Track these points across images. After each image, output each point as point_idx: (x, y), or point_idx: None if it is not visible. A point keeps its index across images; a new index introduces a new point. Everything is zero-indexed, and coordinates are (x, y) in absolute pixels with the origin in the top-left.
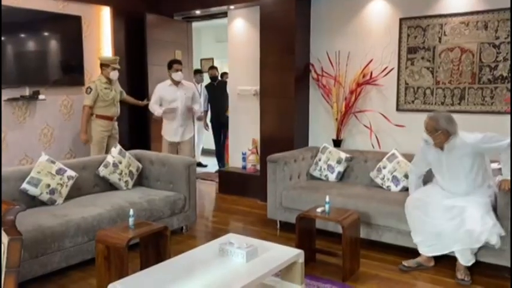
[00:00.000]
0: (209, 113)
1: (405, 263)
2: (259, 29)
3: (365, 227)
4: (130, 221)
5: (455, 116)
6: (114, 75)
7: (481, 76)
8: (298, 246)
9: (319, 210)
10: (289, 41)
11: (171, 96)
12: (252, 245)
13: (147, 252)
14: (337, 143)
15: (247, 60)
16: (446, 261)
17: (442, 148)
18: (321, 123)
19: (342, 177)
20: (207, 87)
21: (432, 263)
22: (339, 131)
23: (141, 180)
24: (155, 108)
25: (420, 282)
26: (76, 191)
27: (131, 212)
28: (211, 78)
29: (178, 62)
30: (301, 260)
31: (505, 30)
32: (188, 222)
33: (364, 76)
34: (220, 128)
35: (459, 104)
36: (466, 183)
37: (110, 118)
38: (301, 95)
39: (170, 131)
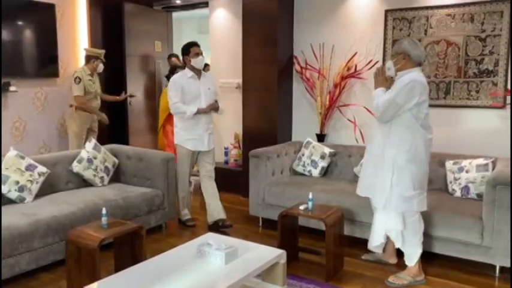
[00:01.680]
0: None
1: (363, 256)
2: (242, 20)
3: (349, 224)
4: (103, 220)
5: (441, 110)
6: (101, 68)
7: (466, 70)
8: (280, 245)
9: (302, 207)
10: (272, 33)
11: (194, 90)
12: (231, 246)
13: (121, 252)
14: (320, 138)
15: (230, 52)
16: (434, 260)
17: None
18: (304, 117)
19: (325, 172)
20: (167, 78)
21: (393, 260)
22: (322, 125)
23: (117, 176)
24: (184, 109)
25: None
26: (48, 188)
27: (104, 210)
28: (171, 67)
29: (197, 45)
30: (283, 260)
31: (491, 23)
32: (166, 220)
33: (348, 69)
34: None
35: (444, 98)
36: (381, 134)
37: (91, 111)
38: (284, 88)
39: (193, 138)
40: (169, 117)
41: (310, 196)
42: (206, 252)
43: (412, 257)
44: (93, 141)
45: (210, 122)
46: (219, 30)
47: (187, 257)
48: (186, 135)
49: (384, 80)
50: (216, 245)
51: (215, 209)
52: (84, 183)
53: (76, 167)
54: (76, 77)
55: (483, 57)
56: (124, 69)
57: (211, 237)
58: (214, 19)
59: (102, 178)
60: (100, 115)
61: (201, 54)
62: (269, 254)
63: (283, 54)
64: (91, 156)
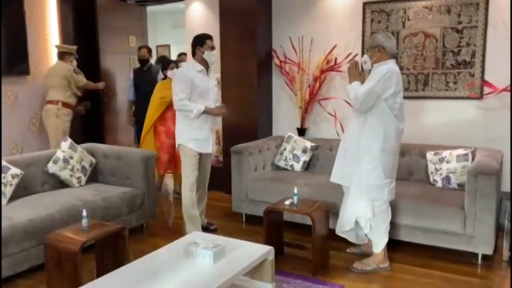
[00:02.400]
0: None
1: (348, 249)
2: (219, 14)
3: (332, 218)
4: (84, 222)
5: (420, 101)
6: (74, 64)
7: (444, 61)
8: (266, 241)
9: (287, 202)
10: (250, 27)
11: (204, 86)
12: (219, 245)
13: (103, 255)
14: (301, 132)
15: None
16: (422, 251)
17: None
18: (284, 112)
19: (307, 166)
20: (134, 72)
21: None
22: (303, 119)
23: (95, 175)
24: (192, 107)
25: (394, 273)
26: (22, 191)
27: (84, 212)
28: (140, 60)
29: (211, 38)
30: (272, 257)
31: (467, 15)
32: (148, 220)
33: (328, 62)
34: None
35: (423, 89)
36: (357, 124)
37: (73, 107)
38: (263, 83)
39: (197, 139)
40: (162, 116)
41: (295, 191)
42: (193, 252)
43: (378, 245)
44: (69, 140)
45: (217, 121)
46: (196, 25)
47: (174, 257)
48: (190, 134)
49: (358, 74)
50: (204, 244)
51: (202, 213)
52: (61, 184)
53: (52, 167)
54: (72, 70)
55: (460, 49)
56: (98, 66)
57: (197, 236)
58: (191, 13)
59: (79, 178)
60: (95, 85)
61: (215, 49)
62: (257, 251)
63: (261, 48)
64: (67, 156)
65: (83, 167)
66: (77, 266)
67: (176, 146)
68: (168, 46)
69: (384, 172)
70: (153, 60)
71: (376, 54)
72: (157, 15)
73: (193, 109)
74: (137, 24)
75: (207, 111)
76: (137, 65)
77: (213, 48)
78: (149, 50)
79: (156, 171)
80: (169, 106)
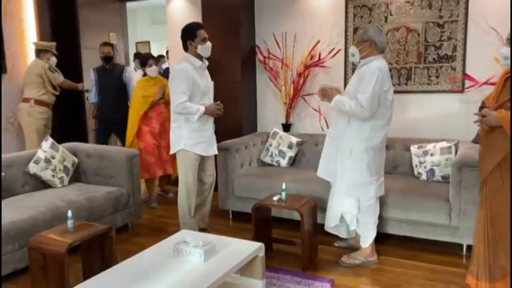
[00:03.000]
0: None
1: (336, 243)
2: (201, 11)
3: (320, 212)
4: (69, 223)
5: (403, 95)
6: (54, 61)
7: (426, 56)
8: (255, 238)
9: (275, 198)
10: (233, 23)
11: (204, 84)
12: (209, 243)
13: (89, 256)
14: (286, 128)
15: None
16: (408, 243)
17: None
18: (269, 108)
19: (293, 162)
20: (97, 70)
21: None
22: (287, 115)
23: (77, 175)
24: (194, 110)
25: (382, 266)
26: (3, 192)
27: (69, 213)
28: (103, 58)
29: (201, 27)
30: (262, 253)
31: (448, 10)
32: (133, 219)
33: (311, 58)
34: (110, 129)
35: (406, 84)
36: (342, 121)
37: (49, 105)
38: (247, 79)
39: (203, 141)
40: (146, 116)
41: (284, 186)
42: (183, 251)
43: (366, 239)
44: (50, 139)
45: (213, 120)
46: (177, 21)
47: (164, 257)
48: (196, 138)
49: (334, 90)
50: (194, 242)
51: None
52: (43, 184)
53: (33, 167)
54: (47, 68)
55: (442, 43)
56: (79, 63)
57: (186, 234)
58: (172, 9)
59: (61, 179)
60: (75, 85)
61: (208, 39)
62: (248, 248)
63: (245, 44)
64: (48, 155)
65: (65, 167)
66: (64, 268)
67: (172, 151)
68: (148, 43)
69: (369, 170)
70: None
71: (366, 48)
72: (136, 12)
73: (195, 112)
74: (117, 20)
75: (206, 112)
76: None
77: (205, 39)
78: (113, 47)
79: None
80: (153, 105)
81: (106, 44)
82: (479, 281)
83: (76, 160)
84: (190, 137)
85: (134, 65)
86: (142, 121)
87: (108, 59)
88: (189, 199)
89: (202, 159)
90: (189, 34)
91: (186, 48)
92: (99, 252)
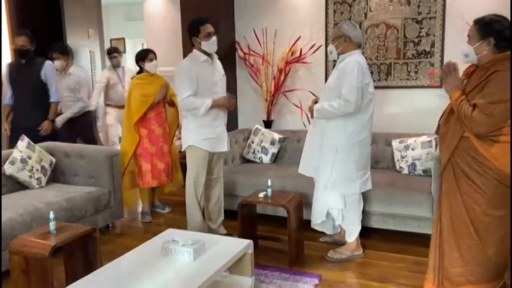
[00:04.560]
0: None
1: (321, 238)
2: (180, 6)
3: (304, 208)
4: (51, 225)
5: (383, 91)
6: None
7: (405, 51)
8: (241, 235)
9: (261, 195)
10: (213, 18)
11: (211, 78)
12: (198, 241)
13: (72, 258)
14: (267, 124)
15: (168, 38)
16: (396, 237)
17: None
18: (250, 104)
19: (276, 158)
20: (9, 67)
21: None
22: (269, 111)
23: (56, 176)
24: (198, 104)
25: (368, 260)
26: None
27: (51, 214)
28: (17, 52)
29: (205, 21)
30: (251, 250)
31: (426, 6)
32: (114, 219)
33: (292, 54)
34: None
35: (386, 79)
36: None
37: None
38: (227, 75)
39: (211, 137)
40: (143, 117)
41: (269, 183)
42: (172, 250)
43: (352, 234)
44: (26, 139)
45: (226, 115)
46: (155, 17)
47: (152, 257)
48: (203, 134)
49: (312, 104)
50: (182, 241)
51: (220, 225)
52: (19, 186)
53: (9, 168)
54: None
55: (420, 39)
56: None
57: (174, 233)
58: (150, 5)
59: (39, 179)
60: None
61: (215, 34)
62: (237, 245)
63: (224, 40)
64: (25, 156)
65: (43, 167)
66: (47, 272)
67: (183, 148)
68: (123, 39)
69: (355, 165)
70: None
71: (342, 44)
72: (110, 8)
73: (199, 106)
74: (93, 16)
75: (215, 105)
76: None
77: (209, 34)
78: (31, 39)
79: (136, 189)
80: (153, 105)
81: (21, 33)
82: (428, 283)
83: (54, 160)
84: (198, 133)
85: (110, 64)
86: (138, 123)
87: (22, 52)
88: (198, 199)
89: (211, 159)
90: (192, 30)
91: (193, 45)
92: (82, 254)
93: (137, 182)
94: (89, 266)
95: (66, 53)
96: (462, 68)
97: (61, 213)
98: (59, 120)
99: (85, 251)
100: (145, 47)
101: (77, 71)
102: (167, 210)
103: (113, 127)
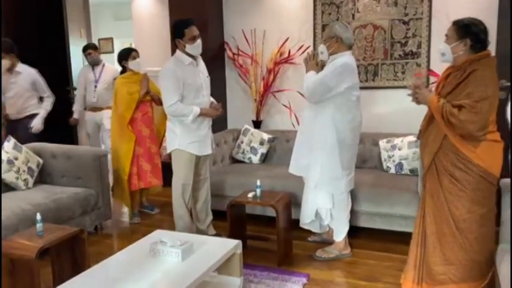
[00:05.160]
0: None
1: (310, 238)
2: (168, 6)
3: (294, 208)
4: (38, 226)
5: (370, 91)
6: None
7: (392, 52)
8: (230, 235)
9: (250, 195)
10: (201, 19)
11: (196, 81)
12: (186, 242)
13: (60, 260)
14: (257, 124)
15: (156, 38)
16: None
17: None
18: (239, 104)
19: (265, 158)
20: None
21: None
22: (258, 111)
23: (43, 177)
24: (186, 112)
25: (356, 259)
26: None
27: (38, 216)
28: None
29: (193, 23)
30: (240, 251)
31: (413, 7)
32: (102, 220)
33: (281, 55)
34: None
35: (373, 80)
36: (311, 116)
37: None
38: (216, 76)
39: (197, 141)
40: (131, 119)
41: (258, 183)
42: (160, 251)
43: (340, 233)
44: (12, 140)
45: (211, 119)
46: (144, 17)
47: (140, 258)
48: (190, 138)
49: (315, 65)
50: (171, 242)
51: (210, 225)
52: (6, 187)
53: None
54: None
55: (407, 40)
56: (68, 61)
57: (162, 234)
58: (138, 4)
59: (26, 180)
60: None
61: (199, 36)
62: (225, 245)
63: (213, 40)
64: (11, 157)
65: (30, 168)
66: (34, 274)
67: (168, 150)
68: (111, 39)
69: (341, 164)
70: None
71: (333, 45)
72: (98, 7)
73: (188, 114)
74: (81, 16)
75: (202, 114)
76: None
77: (194, 38)
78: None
79: (127, 190)
80: (138, 104)
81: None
82: (407, 281)
83: (41, 161)
84: (184, 137)
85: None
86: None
87: None
88: (185, 201)
89: (198, 161)
90: (176, 32)
91: (177, 46)
92: (70, 256)
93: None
94: (77, 267)
95: (12, 51)
96: (441, 69)
97: (48, 215)
98: (37, 123)
99: (73, 252)
100: (133, 47)
101: (25, 68)
102: (156, 211)
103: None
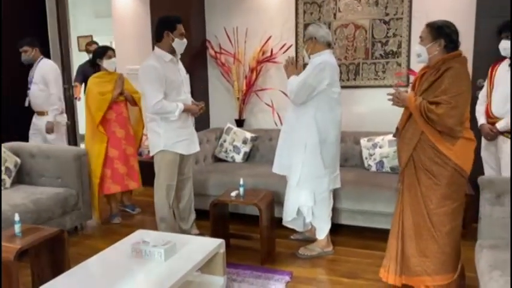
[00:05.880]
0: None
1: (292, 236)
2: (149, 4)
3: (276, 206)
4: (16, 227)
5: (352, 90)
6: None
7: (373, 51)
8: (213, 234)
9: (233, 194)
10: (183, 16)
11: (177, 78)
12: (169, 241)
13: (39, 261)
14: (239, 123)
15: (137, 36)
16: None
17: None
18: (221, 103)
19: (248, 157)
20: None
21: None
22: (241, 110)
23: (20, 177)
24: (171, 108)
25: (338, 256)
26: None
27: (17, 216)
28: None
29: (181, 21)
30: (223, 250)
31: (393, 7)
32: (83, 221)
33: (263, 53)
34: None
35: (354, 79)
36: (294, 116)
37: None
38: (199, 74)
39: (184, 139)
40: (103, 119)
41: (242, 182)
42: (143, 251)
43: (322, 231)
44: None
45: (193, 117)
46: (124, 13)
47: (122, 258)
48: (176, 137)
49: (294, 69)
50: (153, 241)
51: (193, 225)
52: None
53: None
54: None
55: (388, 39)
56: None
57: (144, 234)
58: (118, 1)
59: (3, 181)
60: None
61: (185, 36)
62: (208, 245)
63: (195, 38)
64: None
65: (7, 168)
66: (13, 276)
67: (151, 153)
68: (91, 36)
69: (323, 162)
70: None
71: (310, 46)
72: (77, 4)
73: (173, 110)
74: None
75: (186, 109)
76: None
77: (183, 34)
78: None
79: (96, 195)
80: (112, 104)
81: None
82: (389, 274)
83: (19, 161)
84: (170, 136)
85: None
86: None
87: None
88: (169, 202)
89: (181, 160)
90: (168, 24)
91: (159, 39)
92: (49, 257)
93: (100, 190)
94: (57, 269)
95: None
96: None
97: (27, 216)
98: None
99: (52, 253)
100: (111, 46)
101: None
102: (137, 211)
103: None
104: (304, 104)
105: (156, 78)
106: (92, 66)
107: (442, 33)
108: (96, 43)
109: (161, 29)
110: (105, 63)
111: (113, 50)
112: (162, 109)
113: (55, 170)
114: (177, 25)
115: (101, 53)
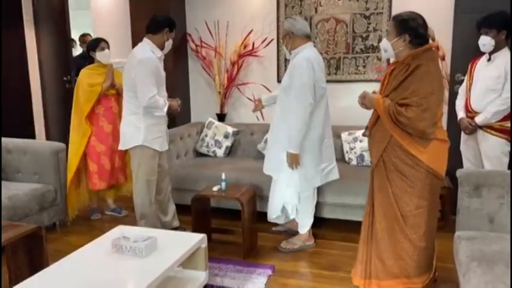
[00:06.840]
0: None
1: (273, 228)
2: None
3: (258, 200)
4: None
5: (333, 85)
6: None
7: (354, 46)
8: (194, 229)
9: (215, 188)
10: (162, 9)
11: (163, 74)
12: (150, 237)
13: (16, 259)
14: (221, 117)
15: (116, 29)
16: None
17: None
18: (202, 97)
19: (229, 151)
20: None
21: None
22: (222, 104)
23: None
24: (160, 102)
25: (320, 249)
26: None
27: None
28: None
29: (174, 22)
30: (205, 244)
31: (374, 2)
32: (60, 217)
33: (245, 47)
34: None
35: (335, 73)
36: (278, 117)
37: None
38: (179, 68)
39: (160, 136)
40: (91, 113)
41: (223, 176)
42: (123, 247)
43: (304, 226)
44: None
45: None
46: (103, 6)
47: (102, 255)
48: (155, 133)
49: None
50: (133, 237)
51: (174, 216)
52: None
53: None
54: None
55: (368, 34)
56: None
57: (125, 229)
58: None
59: None
60: None
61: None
62: (190, 239)
63: (175, 32)
64: None
65: None
66: None
67: (126, 146)
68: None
69: (314, 161)
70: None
71: (289, 41)
72: None
73: (162, 106)
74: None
75: (169, 106)
76: None
77: (172, 38)
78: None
79: (85, 188)
80: (101, 98)
81: None
82: (356, 276)
83: None
84: (150, 132)
85: None
86: (86, 119)
87: None
88: (150, 198)
89: (161, 155)
90: (170, 24)
91: (155, 32)
92: (26, 255)
93: (85, 182)
94: (34, 266)
95: None
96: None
97: (3, 212)
98: None
99: (30, 251)
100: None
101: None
102: (124, 214)
103: None
104: (290, 102)
105: (153, 71)
106: (85, 59)
107: (407, 27)
108: (90, 35)
109: (162, 25)
110: (98, 55)
111: (106, 41)
112: (156, 103)
113: (32, 166)
114: (174, 29)
115: (94, 45)
